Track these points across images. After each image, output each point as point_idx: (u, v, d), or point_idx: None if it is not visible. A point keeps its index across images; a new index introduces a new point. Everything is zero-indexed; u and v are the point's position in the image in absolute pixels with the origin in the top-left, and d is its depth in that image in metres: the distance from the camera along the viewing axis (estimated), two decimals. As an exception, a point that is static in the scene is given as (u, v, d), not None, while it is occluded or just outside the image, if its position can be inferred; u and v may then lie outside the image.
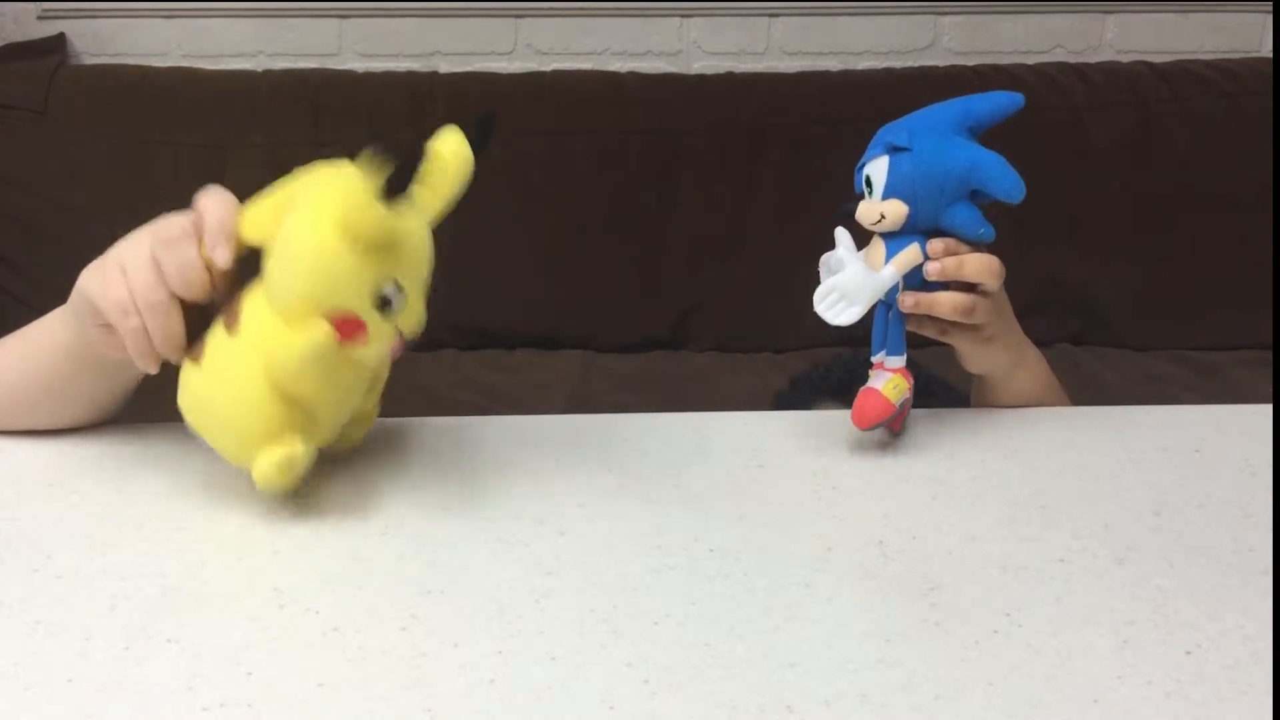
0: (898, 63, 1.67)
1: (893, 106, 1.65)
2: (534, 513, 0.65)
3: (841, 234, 0.72)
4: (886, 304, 0.73)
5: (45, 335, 0.69)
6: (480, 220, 1.51)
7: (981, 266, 0.72)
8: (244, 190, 1.50)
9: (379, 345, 0.60)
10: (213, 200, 0.63)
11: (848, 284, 0.70)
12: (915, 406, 0.76)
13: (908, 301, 0.71)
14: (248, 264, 0.62)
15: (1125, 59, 1.65)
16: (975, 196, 0.72)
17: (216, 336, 0.62)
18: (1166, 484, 0.69)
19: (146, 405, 0.73)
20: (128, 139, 1.48)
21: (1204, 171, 1.56)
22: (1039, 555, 0.61)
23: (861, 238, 0.73)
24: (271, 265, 0.60)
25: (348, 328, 0.59)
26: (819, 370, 1.09)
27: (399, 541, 0.62)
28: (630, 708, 0.49)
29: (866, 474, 0.70)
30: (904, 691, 0.50)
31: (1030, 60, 1.63)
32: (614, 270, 1.55)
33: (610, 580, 0.58)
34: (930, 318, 0.73)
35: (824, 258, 0.72)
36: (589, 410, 0.79)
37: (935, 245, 0.72)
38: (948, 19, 1.69)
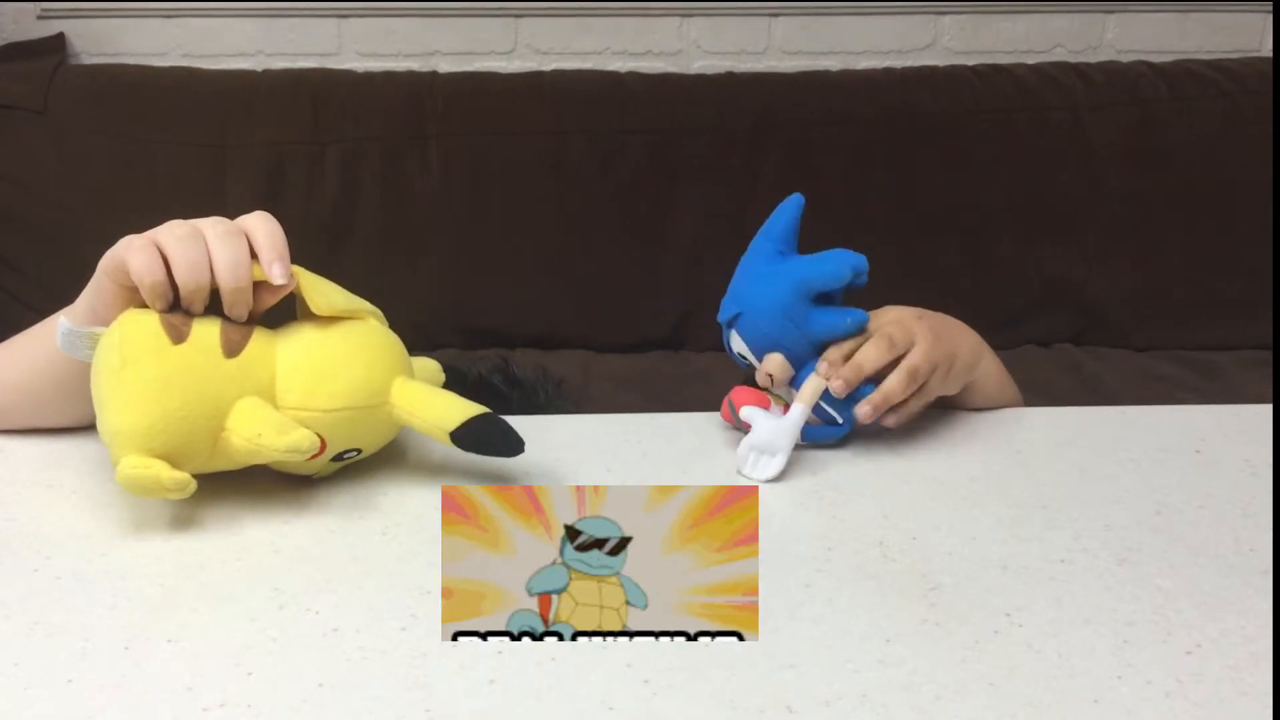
0: (898, 63, 1.67)
1: (893, 106, 1.65)
2: (534, 513, 0.65)
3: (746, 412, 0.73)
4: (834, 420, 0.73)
5: (52, 333, 0.69)
6: (480, 220, 1.51)
7: (874, 352, 0.71)
8: (244, 190, 1.51)
9: (306, 469, 0.66)
10: (260, 219, 0.63)
11: (761, 439, 0.70)
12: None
13: (865, 412, 0.71)
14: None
15: (1125, 59, 1.65)
16: (830, 299, 0.72)
17: (209, 339, 0.62)
18: (1166, 484, 0.69)
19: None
20: (128, 139, 1.48)
21: (1204, 171, 1.56)
22: (1039, 555, 0.61)
23: None
24: (309, 355, 0.64)
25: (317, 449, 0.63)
26: None
27: (399, 541, 0.62)
28: (630, 708, 0.49)
29: (866, 474, 0.70)
30: (904, 691, 0.50)
31: (1030, 60, 1.63)
32: (614, 270, 1.55)
33: (610, 580, 0.58)
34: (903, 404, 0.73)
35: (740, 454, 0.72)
36: (589, 410, 0.78)
37: (820, 366, 0.71)
38: (948, 19, 1.69)
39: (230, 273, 0.61)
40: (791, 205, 0.75)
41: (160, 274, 0.61)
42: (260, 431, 0.60)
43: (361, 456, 0.68)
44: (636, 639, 0.53)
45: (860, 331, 0.72)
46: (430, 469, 0.70)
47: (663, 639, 0.53)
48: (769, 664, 0.52)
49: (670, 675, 0.51)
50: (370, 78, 1.55)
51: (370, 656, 0.52)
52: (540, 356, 1.51)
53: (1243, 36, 1.72)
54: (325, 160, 1.49)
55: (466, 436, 0.65)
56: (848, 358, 0.71)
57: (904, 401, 0.72)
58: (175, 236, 0.61)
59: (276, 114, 1.50)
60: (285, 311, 0.67)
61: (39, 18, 1.63)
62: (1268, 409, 0.79)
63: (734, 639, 0.53)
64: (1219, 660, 0.53)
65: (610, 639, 0.53)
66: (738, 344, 0.74)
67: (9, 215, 1.48)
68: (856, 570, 0.59)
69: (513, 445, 0.65)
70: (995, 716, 0.49)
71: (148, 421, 0.60)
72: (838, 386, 0.70)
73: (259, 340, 0.63)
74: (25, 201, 1.48)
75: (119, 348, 0.60)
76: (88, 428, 0.73)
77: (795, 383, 0.73)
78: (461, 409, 0.65)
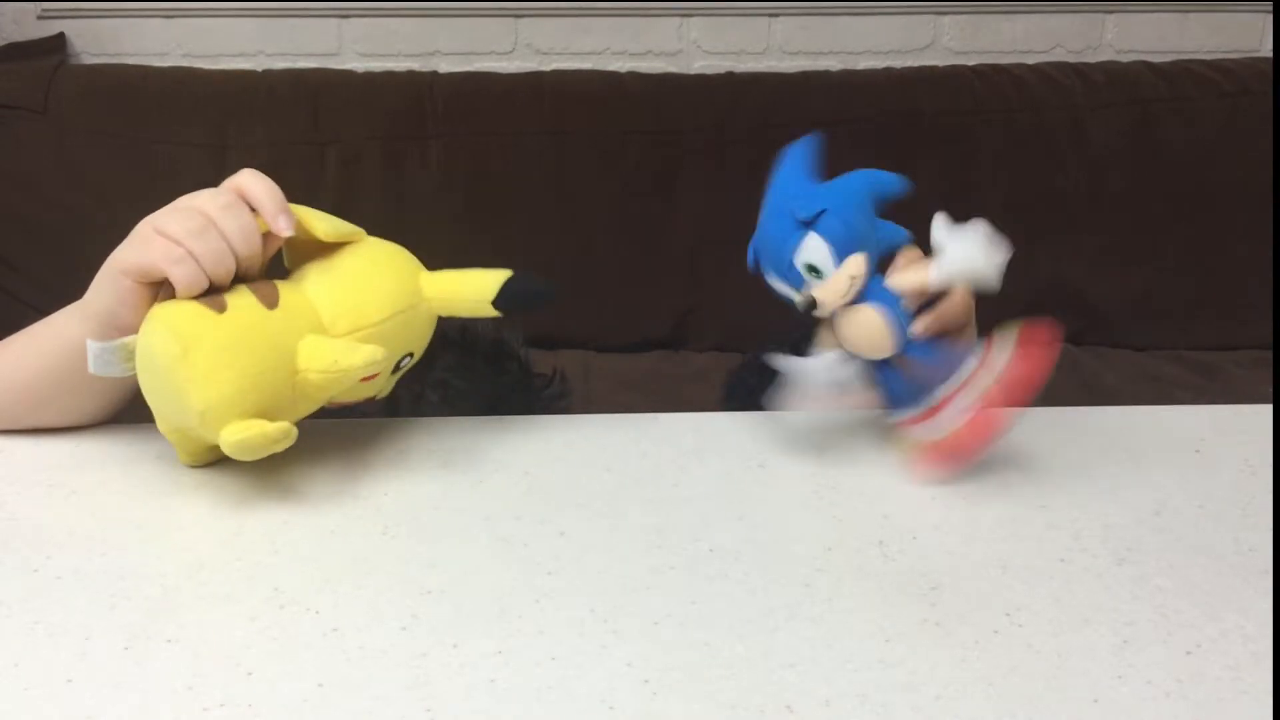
0: (898, 63, 1.67)
1: (893, 106, 1.65)
2: (534, 513, 0.65)
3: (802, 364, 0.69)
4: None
5: (56, 334, 0.69)
6: (480, 220, 1.51)
7: (961, 299, 0.68)
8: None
9: (371, 390, 0.69)
10: (253, 177, 0.65)
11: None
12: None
13: (920, 327, 0.67)
14: None
15: (1125, 59, 1.65)
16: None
17: (248, 300, 0.63)
18: (1166, 484, 0.69)
19: (147, 405, 0.72)
20: (128, 139, 1.48)
21: (1204, 171, 1.56)
22: (1039, 555, 0.61)
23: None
24: (343, 283, 0.66)
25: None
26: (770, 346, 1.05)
27: (399, 541, 0.62)
28: (630, 708, 0.49)
29: (866, 474, 0.70)
30: (904, 691, 0.50)
31: (1030, 60, 1.63)
32: (614, 270, 1.55)
33: (610, 580, 0.58)
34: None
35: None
36: (589, 410, 0.78)
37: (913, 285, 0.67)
38: (948, 19, 1.69)
39: (243, 244, 0.63)
40: (809, 144, 0.70)
41: (202, 277, 0.62)
42: (335, 359, 0.63)
43: (413, 362, 0.70)
44: (636, 639, 0.53)
45: (908, 238, 0.69)
46: (431, 469, 0.70)
47: (663, 639, 0.53)
48: (769, 664, 0.52)
49: (670, 675, 0.51)
50: (370, 78, 1.56)
51: (370, 656, 0.52)
52: (540, 356, 1.51)
53: (1243, 36, 1.72)
54: (325, 160, 1.49)
55: (508, 300, 0.68)
56: (919, 292, 0.67)
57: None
58: (190, 231, 0.62)
59: (276, 114, 1.50)
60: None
61: (39, 18, 1.63)
62: (1268, 409, 0.79)
63: (734, 639, 0.53)
64: (1219, 660, 0.53)
65: (610, 639, 0.53)
66: (814, 251, 0.66)
67: (9, 215, 1.49)
68: (856, 570, 0.59)
69: (547, 292, 0.69)
70: (995, 716, 0.49)
71: (232, 388, 0.61)
72: (922, 327, 0.66)
73: (286, 288, 0.65)
74: (25, 201, 1.49)
75: (174, 337, 0.60)
76: (88, 428, 0.73)
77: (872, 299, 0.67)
78: (492, 279, 0.68)
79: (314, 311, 0.65)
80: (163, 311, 0.62)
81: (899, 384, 0.69)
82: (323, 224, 0.67)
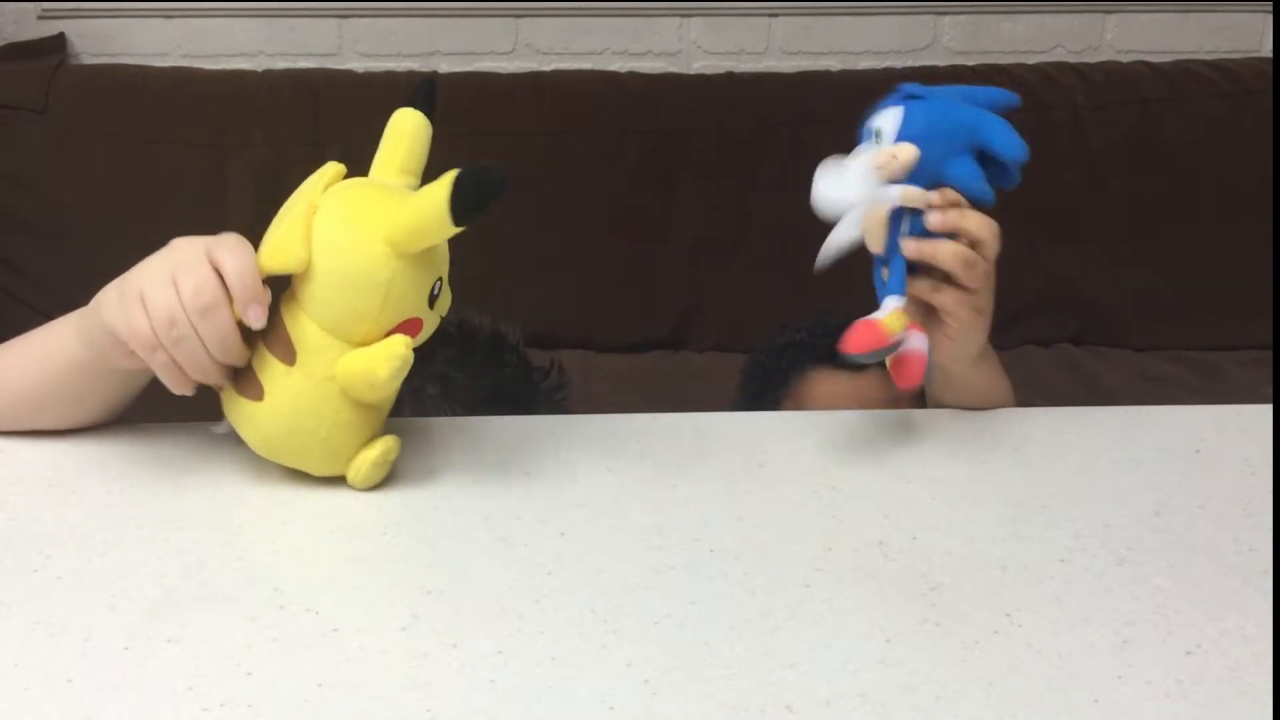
0: (898, 63, 1.67)
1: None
2: (534, 513, 0.65)
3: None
4: (884, 261, 0.72)
5: (57, 344, 0.68)
6: (479, 220, 1.51)
7: (983, 223, 0.70)
8: (244, 190, 1.51)
9: (428, 331, 0.67)
10: (231, 255, 0.62)
11: (852, 171, 0.70)
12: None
13: (911, 246, 0.70)
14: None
15: (1125, 59, 1.65)
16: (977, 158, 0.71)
17: (274, 370, 0.64)
18: (1166, 484, 0.69)
19: (147, 405, 0.73)
20: (128, 139, 1.48)
21: (1204, 171, 1.56)
22: (1039, 555, 0.61)
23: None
24: (328, 295, 0.63)
25: (410, 327, 0.65)
26: (803, 331, 1.04)
27: (399, 541, 0.62)
28: (630, 708, 0.49)
29: (866, 474, 0.70)
30: (904, 691, 0.50)
31: (1030, 60, 1.63)
32: (614, 270, 1.55)
33: (610, 580, 0.58)
34: (927, 274, 0.71)
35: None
36: (589, 410, 0.78)
37: (936, 197, 0.70)
38: (948, 19, 1.69)
39: (221, 352, 0.62)
40: (1002, 95, 0.74)
41: (182, 376, 0.62)
42: (369, 382, 0.63)
43: (443, 286, 0.67)
44: (636, 639, 0.53)
45: (987, 203, 0.71)
46: (430, 469, 0.70)
47: (663, 639, 0.53)
48: (769, 664, 0.52)
49: (670, 675, 0.51)
50: (370, 78, 1.55)
51: (370, 656, 0.52)
52: (540, 356, 1.51)
53: (1243, 36, 1.72)
54: (325, 160, 1.48)
55: (463, 210, 0.62)
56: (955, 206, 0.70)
57: (929, 277, 0.71)
58: (171, 334, 0.60)
59: (276, 114, 1.50)
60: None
61: (39, 18, 1.62)
62: (1268, 409, 0.79)
63: (734, 639, 0.53)
64: (1219, 660, 0.53)
65: (610, 639, 0.53)
66: (890, 119, 0.72)
67: (9, 215, 1.48)
68: (856, 570, 0.59)
69: (498, 180, 0.62)
70: (995, 716, 0.49)
71: (325, 451, 0.65)
72: (935, 218, 0.70)
73: (292, 321, 0.64)
74: (25, 201, 1.48)
75: (255, 445, 0.66)
76: (88, 428, 0.73)
77: (888, 242, 0.71)
78: (439, 193, 0.62)
79: (323, 336, 0.64)
80: (227, 409, 0.66)
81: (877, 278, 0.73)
82: (289, 256, 0.63)
